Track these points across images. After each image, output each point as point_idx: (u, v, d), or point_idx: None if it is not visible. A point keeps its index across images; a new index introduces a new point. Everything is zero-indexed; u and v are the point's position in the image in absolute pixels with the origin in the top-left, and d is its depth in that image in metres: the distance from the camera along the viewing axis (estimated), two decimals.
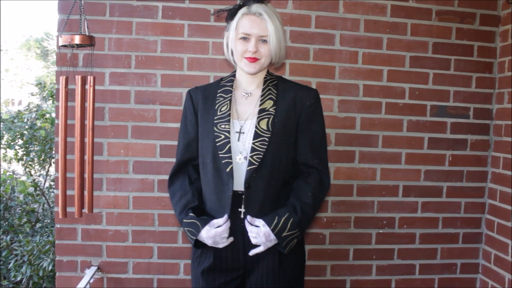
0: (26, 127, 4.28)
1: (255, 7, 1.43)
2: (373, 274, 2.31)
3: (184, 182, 1.56)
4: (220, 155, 1.44)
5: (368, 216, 2.27)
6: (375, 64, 2.22)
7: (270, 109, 1.48)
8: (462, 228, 2.35)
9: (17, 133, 4.32)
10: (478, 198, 2.35)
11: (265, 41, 1.44)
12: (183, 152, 1.58)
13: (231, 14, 1.47)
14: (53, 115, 4.26)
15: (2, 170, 4.72)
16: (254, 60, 1.44)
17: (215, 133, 1.46)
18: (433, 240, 2.33)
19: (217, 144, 1.45)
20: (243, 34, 1.43)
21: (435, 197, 2.31)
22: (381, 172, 2.26)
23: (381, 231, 2.29)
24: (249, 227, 1.44)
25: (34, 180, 3.97)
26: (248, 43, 1.43)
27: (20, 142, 4.40)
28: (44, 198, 3.93)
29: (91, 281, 2.09)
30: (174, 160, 2.12)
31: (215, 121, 1.48)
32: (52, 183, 4.25)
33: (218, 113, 1.49)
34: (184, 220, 1.48)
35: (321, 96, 2.20)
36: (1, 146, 4.45)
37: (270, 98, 1.51)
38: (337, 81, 2.20)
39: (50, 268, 3.02)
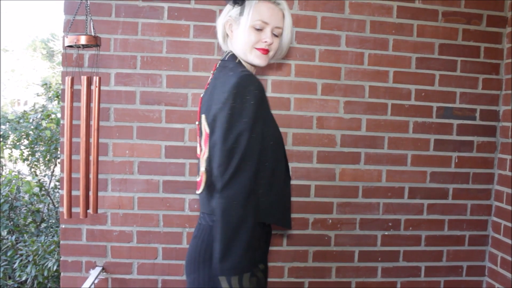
0: (32, 127, 4.30)
1: None
2: (378, 276, 2.29)
3: (253, 213, 1.17)
4: (287, 159, 1.35)
5: (374, 218, 2.26)
6: (381, 65, 2.21)
7: None
8: (468, 230, 2.33)
9: (23, 133, 4.35)
10: (484, 200, 2.33)
11: (275, 34, 1.30)
12: (258, 163, 1.20)
13: None
14: (59, 115, 4.28)
15: (7, 170, 4.74)
16: (266, 52, 1.29)
17: (281, 135, 1.33)
18: (439, 242, 2.32)
19: (285, 148, 1.34)
20: (261, 22, 1.26)
21: (441, 199, 2.30)
22: (386, 173, 2.25)
23: (386, 233, 2.28)
24: None
25: (39, 180, 3.99)
26: (261, 33, 1.28)
27: (26, 142, 4.43)
28: (49, 198, 3.95)
29: (96, 281, 2.09)
30: (178, 161, 2.16)
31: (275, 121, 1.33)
32: (57, 183, 4.27)
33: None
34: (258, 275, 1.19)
35: (326, 97, 2.24)
36: (7, 146, 4.48)
37: None
38: (343, 82, 2.20)
39: (55, 268, 3.03)
